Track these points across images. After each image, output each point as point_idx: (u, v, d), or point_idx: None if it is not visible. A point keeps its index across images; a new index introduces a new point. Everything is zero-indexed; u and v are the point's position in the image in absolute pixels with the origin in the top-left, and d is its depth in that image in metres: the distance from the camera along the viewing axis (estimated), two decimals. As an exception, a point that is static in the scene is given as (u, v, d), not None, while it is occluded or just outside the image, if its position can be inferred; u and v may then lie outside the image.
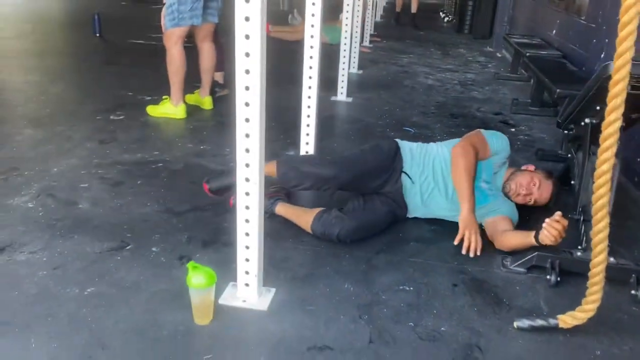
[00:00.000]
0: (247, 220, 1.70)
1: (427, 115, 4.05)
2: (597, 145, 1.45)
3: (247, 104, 1.57)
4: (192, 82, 3.68)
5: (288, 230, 2.23)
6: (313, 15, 2.61)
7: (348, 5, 4.18)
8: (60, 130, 3.23)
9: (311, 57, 2.68)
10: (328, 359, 1.55)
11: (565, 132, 2.51)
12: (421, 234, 2.29)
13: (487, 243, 2.18)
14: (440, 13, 10.36)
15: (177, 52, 3.44)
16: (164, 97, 3.63)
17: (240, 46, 1.50)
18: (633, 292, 1.92)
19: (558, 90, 3.24)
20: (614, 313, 1.85)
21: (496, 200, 2.31)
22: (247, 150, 1.62)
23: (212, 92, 3.90)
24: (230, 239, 2.11)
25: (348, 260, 2.06)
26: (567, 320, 1.68)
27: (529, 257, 2.04)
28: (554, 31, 5.06)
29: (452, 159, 2.27)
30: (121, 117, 3.53)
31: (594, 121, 2.14)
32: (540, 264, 2.02)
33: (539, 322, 1.72)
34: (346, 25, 4.31)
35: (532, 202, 2.32)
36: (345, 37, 4.35)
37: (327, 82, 2.93)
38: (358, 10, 4.80)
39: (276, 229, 2.20)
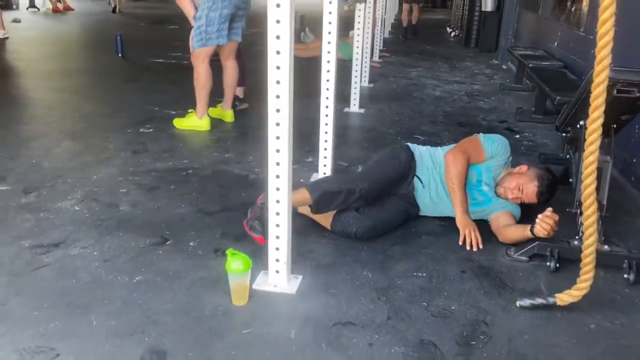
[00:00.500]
0: (277, 213, 1.92)
1: (435, 124, 4.27)
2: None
3: (277, 110, 1.80)
4: (213, 96, 3.94)
5: (311, 227, 2.44)
6: (330, 33, 2.86)
7: (359, 22, 4.44)
8: (96, 142, 3.49)
9: (328, 71, 2.92)
10: (351, 333, 1.77)
11: (563, 134, 2.72)
12: (432, 228, 2.51)
13: (490, 235, 2.39)
14: (447, 28, 10.63)
15: (204, 69, 3.71)
16: (189, 110, 3.89)
17: (272, 60, 1.74)
18: (626, 275, 2.12)
19: (558, 97, 3.46)
20: (608, 294, 2.05)
21: (498, 201, 2.51)
22: (278, 151, 1.85)
23: (233, 106, 4.16)
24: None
25: (366, 251, 2.28)
26: (564, 298, 1.88)
27: (531, 246, 2.24)
28: (556, 43, 5.29)
29: (445, 166, 2.49)
30: (150, 130, 3.80)
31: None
32: (541, 252, 2.23)
33: (539, 301, 1.92)
34: (357, 41, 4.57)
35: (523, 202, 2.48)
36: (357, 53, 4.61)
37: (341, 94, 3.16)
38: (368, 27, 5.06)
39: (300, 226, 2.41)
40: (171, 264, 2.12)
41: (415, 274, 2.13)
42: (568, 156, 2.82)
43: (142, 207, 2.62)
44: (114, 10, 12.72)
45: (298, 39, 8.18)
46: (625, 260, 2.14)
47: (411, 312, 1.88)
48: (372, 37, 5.75)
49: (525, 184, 2.43)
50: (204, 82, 3.75)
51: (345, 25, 5.87)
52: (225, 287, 1.92)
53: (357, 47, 4.61)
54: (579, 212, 2.36)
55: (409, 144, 2.70)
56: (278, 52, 1.74)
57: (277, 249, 1.97)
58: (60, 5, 12.24)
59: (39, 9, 12.20)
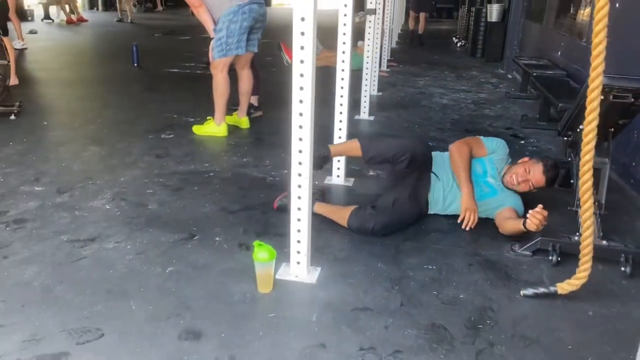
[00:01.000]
0: (299, 209, 2.10)
1: (443, 130, 4.44)
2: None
3: (300, 114, 1.98)
4: (229, 104, 4.12)
5: (327, 224, 2.61)
6: (344, 43, 3.05)
7: (369, 34, 4.63)
8: (120, 147, 3.68)
9: (342, 79, 3.10)
10: (368, 317, 1.93)
11: (565, 138, 2.87)
12: (441, 226, 2.67)
13: (497, 233, 2.55)
14: (454, 38, 10.82)
15: (223, 78, 3.90)
16: (208, 117, 4.07)
17: (296, 68, 1.92)
18: (622, 269, 2.27)
19: (561, 104, 3.62)
20: (606, 285, 2.20)
21: (503, 193, 2.69)
22: (300, 151, 2.02)
23: (248, 113, 4.34)
24: (278, 231, 2.53)
25: (380, 246, 2.44)
26: (565, 287, 2.03)
27: (534, 241, 2.40)
28: (559, 53, 5.46)
29: (449, 155, 2.75)
30: (171, 136, 3.98)
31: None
32: (543, 247, 2.38)
33: (541, 290, 2.07)
34: (367, 52, 4.76)
35: (532, 187, 2.68)
36: (367, 63, 4.80)
37: (351, 102, 3.34)
38: (377, 38, 5.25)
39: (317, 224, 2.57)
40: (200, 257, 2.29)
41: (426, 266, 2.29)
42: (569, 159, 2.98)
43: (168, 206, 2.80)
44: (119, 20, 13.07)
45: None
46: (622, 255, 2.29)
47: (423, 299, 2.04)
48: (380, 47, 5.94)
49: (531, 166, 2.68)
50: (223, 90, 3.94)
51: (354, 36, 6.05)
52: (251, 276, 2.09)
53: (367, 57, 4.80)
54: (579, 209, 2.53)
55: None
56: (302, 62, 1.91)
57: (299, 241, 2.14)
58: (74, 17, 12.54)
59: (53, 21, 12.50)
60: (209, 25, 3.82)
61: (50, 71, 6.63)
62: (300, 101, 1.96)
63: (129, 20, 13.06)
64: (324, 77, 3.08)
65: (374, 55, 5.14)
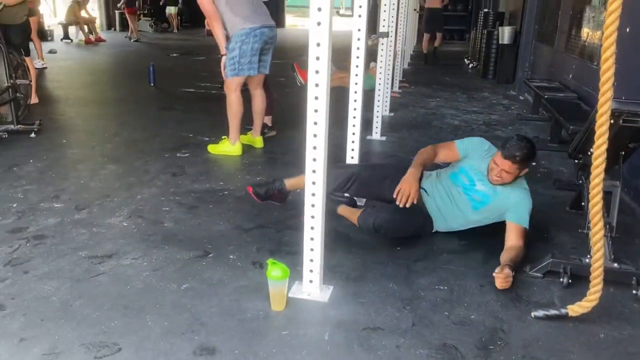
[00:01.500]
0: (312, 228, 2.14)
1: (454, 151, 4.47)
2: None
3: (315, 135, 2.03)
4: (243, 124, 4.20)
5: (340, 243, 2.65)
6: (357, 66, 3.11)
7: (382, 56, 4.70)
8: (137, 165, 3.76)
9: (355, 101, 3.17)
10: (380, 336, 1.95)
11: (575, 161, 2.90)
12: (452, 247, 2.69)
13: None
14: (465, 59, 10.89)
15: (236, 97, 3.98)
16: (223, 137, 4.15)
17: (311, 91, 1.98)
18: (634, 292, 2.28)
19: (572, 127, 3.65)
20: (617, 307, 2.20)
21: (499, 195, 2.63)
22: (314, 171, 2.07)
23: (262, 133, 4.42)
24: (291, 249, 2.57)
25: (391, 266, 2.47)
26: (576, 309, 2.05)
27: (545, 263, 2.41)
28: (570, 75, 5.49)
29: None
30: (186, 155, 4.06)
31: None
32: (554, 269, 2.39)
33: (552, 312, 2.09)
34: (380, 73, 4.83)
35: (509, 175, 2.58)
36: (379, 84, 4.87)
37: (363, 123, 3.39)
38: (389, 59, 5.32)
39: (329, 242, 2.60)
40: (214, 274, 2.34)
41: (437, 287, 2.31)
42: (580, 182, 3.00)
43: (184, 223, 2.85)
44: (130, 38, 13.42)
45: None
46: (634, 278, 2.30)
47: (434, 319, 2.07)
48: (392, 68, 6.00)
49: (495, 157, 2.59)
50: (236, 110, 4.02)
51: (367, 57, 6.13)
52: (264, 294, 2.13)
53: (380, 78, 4.87)
54: (590, 232, 2.55)
55: None
56: (317, 85, 1.97)
57: (311, 260, 2.18)
58: (92, 37, 12.82)
59: (72, 40, 12.78)
60: (221, 41, 3.87)
61: (69, 90, 6.79)
62: (315, 123, 2.02)
63: (136, 39, 13.37)
64: (337, 98, 3.15)
65: (386, 76, 5.21)
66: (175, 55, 10.69)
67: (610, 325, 2.07)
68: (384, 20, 4.59)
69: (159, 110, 5.75)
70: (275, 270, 2.05)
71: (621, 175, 2.54)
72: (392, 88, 6.34)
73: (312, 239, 2.15)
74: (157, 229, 2.77)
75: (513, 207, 2.60)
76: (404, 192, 2.55)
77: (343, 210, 2.88)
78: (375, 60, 5.06)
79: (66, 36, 12.82)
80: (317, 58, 1.95)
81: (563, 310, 2.07)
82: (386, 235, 2.61)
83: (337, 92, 3.18)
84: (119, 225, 2.80)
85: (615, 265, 2.35)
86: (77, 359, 1.78)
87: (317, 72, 1.96)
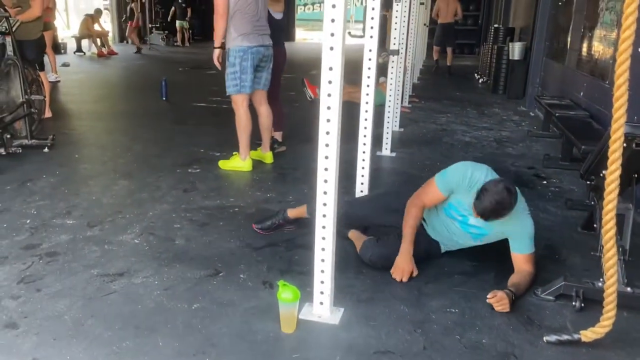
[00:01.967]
0: (323, 249, 2.14)
1: (465, 169, 4.46)
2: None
3: (326, 157, 2.04)
4: (253, 140, 4.23)
5: (350, 264, 2.64)
6: (368, 86, 3.13)
7: (392, 72, 4.72)
8: (149, 181, 3.79)
9: (366, 120, 3.18)
10: (391, 360, 1.94)
11: (587, 182, 2.89)
12: (464, 268, 2.68)
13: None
14: (475, 74, 10.89)
15: (244, 113, 4.02)
16: (234, 152, 4.18)
17: (324, 101, 1.98)
18: (648, 316, 2.25)
19: (583, 147, 3.63)
20: (631, 333, 2.18)
21: (494, 228, 2.51)
22: (325, 193, 2.07)
23: (272, 148, 4.44)
24: (302, 269, 2.57)
25: (402, 288, 2.46)
26: (588, 334, 2.02)
27: (557, 286, 2.39)
28: (582, 93, 5.48)
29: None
30: (197, 170, 4.09)
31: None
32: (566, 292, 2.37)
33: (565, 337, 2.07)
34: (390, 89, 4.85)
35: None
36: (389, 99, 4.89)
37: (373, 138, 3.40)
38: (399, 75, 5.35)
39: (340, 263, 2.60)
40: (225, 294, 2.34)
41: (448, 310, 2.30)
42: (592, 202, 2.98)
43: (195, 241, 2.86)
44: (138, 51, 13.71)
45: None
46: (648, 302, 2.28)
47: (445, 343, 2.05)
48: (402, 83, 6.02)
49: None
50: (245, 125, 4.05)
51: (377, 72, 6.15)
52: (274, 315, 2.13)
53: (390, 94, 4.89)
54: (602, 255, 2.53)
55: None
56: (329, 95, 1.98)
57: (322, 282, 2.17)
58: (104, 50, 12.98)
59: (85, 53, 12.94)
60: (219, 35, 3.87)
61: (82, 104, 6.87)
62: (326, 144, 2.03)
63: (136, 51, 13.62)
64: (347, 113, 3.15)
65: (396, 92, 5.23)
66: (186, 69, 10.79)
67: (624, 351, 2.05)
68: (395, 38, 4.61)
69: (170, 124, 5.80)
70: (285, 293, 2.05)
71: (634, 197, 2.52)
72: (402, 103, 6.36)
73: (322, 260, 2.15)
74: (169, 247, 2.79)
75: (513, 236, 2.51)
76: (400, 275, 2.49)
77: (352, 234, 2.85)
78: (384, 75, 5.08)
79: (79, 49, 12.98)
80: (330, 82, 1.96)
81: (576, 336, 2.05)
82: (384, 269, 2.56)
83: (347, 107, 3.19)
84: (131, 243, 2.82)
85: (629, 289, 2.32)
86: (88, 380, 1.78)
87: (329, 95, 1.98)
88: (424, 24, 10.50)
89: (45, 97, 5.09)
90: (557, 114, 4.95)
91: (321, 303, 2.20)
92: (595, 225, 2.84)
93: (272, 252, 2.76)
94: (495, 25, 10.47)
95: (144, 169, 4.09)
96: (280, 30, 4.45)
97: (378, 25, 3.11)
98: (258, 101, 4.20)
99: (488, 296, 2.29)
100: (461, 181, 2.51)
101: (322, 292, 2.19)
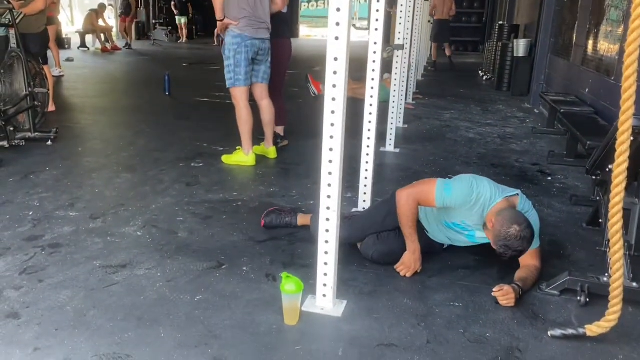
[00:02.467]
0: (326, 242, 2.13)
1: (469, 165, 4.45)
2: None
3: (331, 149, 2.02)
4: (256, 135, 4.22)
5: (353, 258, 2.63)
6: (373, 79, 3.11)
7: (396, 68, 4.70)
8: (152, 175, 3.78)
9: (370, 114, 3.16)
10: (394, 353, 1.93)
11: (593, 177, 2.87)
12: (467, 263, 2.66)
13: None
14: (479, 72, 10.85)
15: (244, 107, 4.00)
16: (237, 147, 4.16)
17: (329, 91, 1.97)
18: (654, 312, 2.23)
19: (589, 142, 3.61)
20: (636, 328, 2.16)
21: None
22: (329, 185, 2.06)
23: (275, 143, 4.43)
24: (305, 262, 2.56)
25: (405, 281, 2.45)
26: (594, 329, 2.01)
27: (562, 281, 2.38)
28: (587, 89, 5.45)
29: (397, 203, 2.52)
30: (200, 165, 4.08)
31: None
32: (571, 287, 2.36)
33: (570, 331, 2.05)
34: (394, 85, 4.83)
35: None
36: (394, 95, 4.87)
37: (377, 134, 3.38)
38: (404, 71, 5.32)
39: (343, 256, 2.59)
40: (227, 286, 2.33)
41: (452, 303, 2.28)
42: (598, 198, 2.96)
43: (198, 234, 2.85)
44: (129, 47, 13.67)
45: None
46: (654, 297, 2.26)
47: (449, 337, 2.04)
48: (407, 80, 6.00)
49: (492, 243, 2.36)
50: (245, 119, 4.04)
51: (381, 68, 6.14)
52: (277, 307, 2.12)
53: (394, 90, 4.87)
54: (608, 250, 2.51)
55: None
56: (334, 86, 1.96)
57: (325, 274, 2.16)
58: (108, 46, 12.98)
59: (89, 49, 12.95)
60: (218, 7, 3.81)
61: (86, 98, 6.87)
62: (331, 137, 2.01)
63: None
64: (351, 109, 3.14)
65: (400, 88, 5.21)
66: (189, 64, 10.78)
67: (629, 346, 2.03)
68: (399, 32, 4.59)
69: (174, 119, 5.79)
70: (289, 284, 2.04)
71: (640, 193, 2.50)
72: (405, 99, 6.34)
73: (326, 252, 2.13)
74: (171, 239, 2.78)
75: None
76: (402, 272, 2.47)
77: None
78: (389, 72, 5.06)
79: (83, 44, 12.98)
80: (335, 72, 1.95)
81: (581, 330, 2.03)
82: (387, 265, 2.55)
83: (351, 103, 3.18)
84: (133, 235, 2.81)
85: (635, 284, 2.30)
86: (90, 370, 1.78)
87: (334, 86, 1.96)
88: (429, 21, 10.47)
89: (48, 90, 5.08)
90: (562, 110, 4.92)
91: (324, 295, 2.19)
92: (600, 221, 2.83)
93: (275, 246, 2.75)
94: (500, 23, 10.43)
95: (147, 162, 4.08)
96: (285, 23, 4.42)
97: (383, 18, 3.08)
98: (259, 95, 4.18)
99: (494, 289, 2.27)
100: (464, 204, 2.44)
101: (325, 285, 2.17)
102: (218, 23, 3.91)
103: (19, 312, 2.08)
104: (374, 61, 3.12)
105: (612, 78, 4.68)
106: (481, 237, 2.52)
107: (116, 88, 8.14)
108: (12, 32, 4.50)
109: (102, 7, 13.50)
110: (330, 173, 2.05)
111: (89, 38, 13.10)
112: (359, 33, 15.91)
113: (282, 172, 4.02)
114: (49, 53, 6.31)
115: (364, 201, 3.25)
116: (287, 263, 2.57)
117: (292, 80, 4.68)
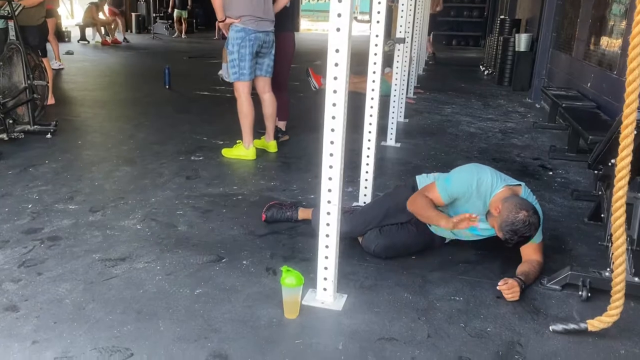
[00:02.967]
0: (327, 235, 2.11)
1: (470, 159, 4.42)
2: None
3: (332, 142, 2.01)
4: (257, 128, 4.20)
5: (353, 251, 2.62)
6: (374, 73, 3.09)
7: (397, 62, 4.68)
8: (152, 168, 3.77)
9: (372, 107, 3.14)
10: (395, 347, 1.92)
11: (595, 171, 2.85)
12: (468, 257, 2.65)
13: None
14: (480, 66, 10.81)
15: (245, 100, 3.98)
16: (237, 141, 4.14)
17: (330, 84, 1.95)
18: (656, 307, 2.22)
19: (591, 137, 3.59)
20: (638, 323, 2.15)
21: None
22: (330, 178, 2.05)
23: (276, 137, 4.41)
24: (305, 256, 2.55)
25: (406, 275, 2.44)
26: (595, 324, 2.00)
27: (564, 276, 2.36)
28: (589, 84, 5.42)
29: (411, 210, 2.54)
30: (200, 158, 4.06)
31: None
32: (573, 282, 2.34)
33: (571, 326, 2.04)
34: (396, 79, 4.81)
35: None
36: (395, 89, 4.84)
37: (378, 128, 3.36)
38: (405, 65, 5.29)
39: (344, 250, 2.58)
40: (227, 280, 2.32)
41: (453, 297, 2.27)
42: (600, 192, 2.95)
43: (197, 227, 2.84)
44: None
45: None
46: (656, 292, 2.25)
47: (450, 331, 2.03)
48: (407, 74, 5.97)
49: (496, 229, 2.34)
50: (247, 112, 4.02)
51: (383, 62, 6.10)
52: (277, 301, 2.11)
53: (395, 84, 4.84)
54: (610, 245, 2.49)
55: (417, 176, 2.77)
56: (335, 78, 1.94)
57: (326, 268, 2.15)
58: (108, 39, 12.93)
59: (89, 42, 12.90)
60: (217, 8, 3.78)
61: (85, 91, 6.84)
62: (332, 130, 2.00)
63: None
64: (352, 103, 3.12)
65: (401, 82, 5.18)
66: (189, 58, 10.74)
67: (630, 341, 2.02)
68: (401, 25, 4.55)
69: (174, 112, 5.76)
70: (289, 278, 2.03)
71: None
72: (407, 94, 6.31)
73: (327, 246, 2.12)
74: (171, 233, 2.77)
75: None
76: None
77: None
78: (390, 66, 5.03)
79: (83, 38, 12.93)
80: (336, 64, 1.93)
81: (582, 325, 2.02)
82: (388, 259, 2.54)
83: (352, 98, 3.15)
84: (133, 228, 2.80)
85: (637, 279, 2.29)
86: (89, 363, 1.77)
87: (335, 78, 1.94)
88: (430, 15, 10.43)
89: (48, 83, 5.06)
90: (563, 105, 4.90)
91: (325, 289, 2.17)
92: (602, 216, 2.81)
93: (275, 240, 2.74)
94: (501, 17, 10.38)
95: (147, 156, 4.07)
96: (288, 17, 4.39)
97: (385, 10, 3.06)
98: (261, 88, 4.16)
99: (499, 283, 2.25)
100: (467, 191, 2.43)
101: (325, 278, 2.16)
102: (220, 24, 3.89)
103: (17, 304, 2.07)
104: (375, 54, 3.09)
105: (615, 72, 4.65)
106: (485, 228, 2.49)
107: (116, 81, 8.11)
108: (11, 24, 4.47)
109: (102, 0, 13.43)
110: (331, 166, 2.04)
111: (89, 31, 13.04)
112: (360, 27, 15.84)
113: (282, 166, 4.01)
114: (48, 46, 6.28)
115: (365, 195, 3.24)
116: (288, 257, 2.56)
117: (293, 74, 4.65)
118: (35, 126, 4.49)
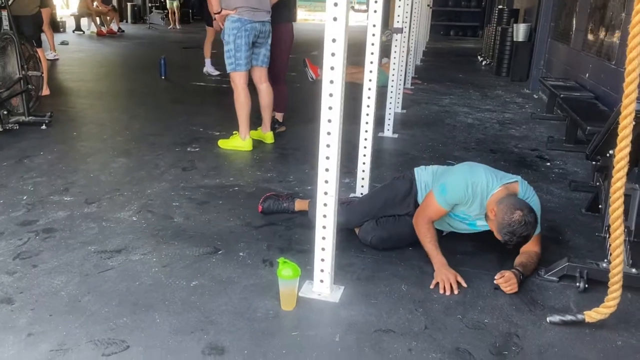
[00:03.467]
0: (324, 227, 2.10)
1: (468, 150, 4.41)
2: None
3: (328, 133, 1.99)
4: (253, 119, 4.18)
5: (351, 243, 2.61)
6: (371, 63, 3.07)
7: (395, 52, 4.65)
8: (148, 159, 3.74)
9: (369, 98, 3.12)
10: (392, 339, 1.91)
11: (593, 162, 2.84)
12: (465, 248, 2.64)
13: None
14: (478, 57, 10.78)
15: (242, 91, 3.96)
16: (234, 132, 4.12)
17: (327, 73, 1.93)
18: (653, 298, 2.22)
19: (589, 127, 3.58)
20: (635, 314, 2.15)
21: None
22: (327, 170, 2.03)
23: (273, 128, 4.38)
24: (302, 247, 2.54)
25: (403, 267, 2.43)
26: (593, 315, 1.99)
27: (561, 267, 2.36)
28: (587, 75, 5.40)
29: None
30: (197, 149, 4.04)
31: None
32: (570, 273, 2.34)
33: (569, 317, 2.04)
34: (393, 69, 4.78)
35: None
36: (392, 80, 4.81)
37: (375, 119, 3.34)
38: (403, 55, 5.27)
39: (341, 242, 2.57)
40: (224, 271, 2.31)
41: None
42: (597, 183, 2.94)
43: (194, 219, 2.83)
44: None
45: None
46: (653, 283, 2.24)
47: (447, 323, 2.02)
48: (405, 64, 5.95)
49: (495, 232, 2.33)
50: (243, 103, 3.99)
51: (380, 52, 6.07)
52: (274, 293, 2.10)
53: (393, 74, 4.82)
54: (607, 236, 2.49)
55: (416, 168, 2.75)
56: (332, 68, 1.92)
57: (322, 260, 2.14)
58: (104, 29, 12.83)
59: (84, 32, 12.81)
60: (213, 3, 3.79)
61: (81, 82, 6.79)
62: (329, 120, 1.98)
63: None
64: (349, 94, 3.10)
65: (399, 73, 5.15)
66: (186, 48, 10.67)
67: (628, 332, 2.02)
68: (399, 15, 4.52)
69: (169, 103, 5.73)
70: (286, 270, 2.02)
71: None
72: (404, 85, 6.28)
73: (323, 238, 2.11)
74: (167, 224, 2.75)
75: None
76: (443, 285, 2.25)
77: None
78: (387, 56, 5.00)
79: (78, 28, 12.85)
80: (333, 54, 1.91)
81: (579, 316, 2.02)
82: (385, 251, 2.53)
83: (349, 88, 3.13)
84: (129, 220, 2.78)
85: (634, 270, 2.29)
86: (85, 355, 1.76)
87: (332, 68, 1.92)
88: (427, 5, 10.37)
89: (42, 73, 5.01)
90: (561, 96, 4.89)
91: (321, 281, 2.17)
92: (600, 207, 2.81)
93: (272, 231, 2.73)
94: (499, 7, 10.33)
95: (143, 147, 4.04)
96: (286, 7, 4.35)
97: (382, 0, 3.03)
98: (258, 79, 4.13)
99: (495, 277, 2.25)
100: (463, 197, 2.42)
101: (322, 270, 2.15)
102: (216, 16, 3.86)
103: (12, 297, 2.06)
104: (372, 44, 3.07)
105: (613, 63, 4.63)
106: (482, 224, 2.50)
107: (111, 72, 8.05)
108: (4, 13, 4.42)
109: (98, -11, 13.31)
110: (327, 158, 2.02)
111: (84, 21, 12.96)
112: (357, 17, 15.79)
113: (279, 157, 3.99)
114: (43, 36, 6.23)
115: (362, 186, 3.22)
116: (284, 248, 2.55)
117: (289, 64, 4.62)
118: (30, 117, 4.45)
